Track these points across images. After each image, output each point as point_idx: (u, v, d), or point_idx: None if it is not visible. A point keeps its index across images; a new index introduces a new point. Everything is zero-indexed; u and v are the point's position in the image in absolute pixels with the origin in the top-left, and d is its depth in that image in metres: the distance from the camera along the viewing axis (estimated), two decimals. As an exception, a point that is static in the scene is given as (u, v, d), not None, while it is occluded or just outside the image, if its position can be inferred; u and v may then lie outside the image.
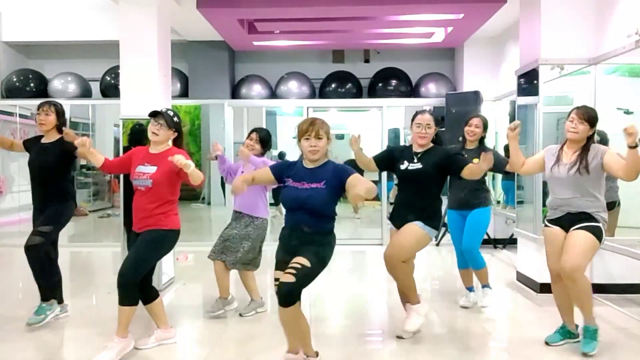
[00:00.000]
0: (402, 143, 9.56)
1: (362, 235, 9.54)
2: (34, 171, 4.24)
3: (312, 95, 8.22)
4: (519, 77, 5.64)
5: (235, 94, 8.33)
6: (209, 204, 11.48)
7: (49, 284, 4.19)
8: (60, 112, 4.27)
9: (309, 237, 3.07)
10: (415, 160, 3.80)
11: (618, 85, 5.46)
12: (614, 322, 4.25)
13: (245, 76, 8.36)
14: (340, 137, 12.59)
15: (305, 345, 3.18)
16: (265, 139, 4.47)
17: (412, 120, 3.91)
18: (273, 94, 8.29)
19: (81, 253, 7.44)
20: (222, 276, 4.40)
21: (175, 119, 3.68)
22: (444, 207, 4.32)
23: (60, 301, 4.33)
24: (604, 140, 4.67)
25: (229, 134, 8.43)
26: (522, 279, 5.46)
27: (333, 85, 8.21)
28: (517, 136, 3.78)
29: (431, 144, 3.90)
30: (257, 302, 4.53)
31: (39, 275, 4.13)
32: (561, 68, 5.06)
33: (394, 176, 4.17)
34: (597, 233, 3.52)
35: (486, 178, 4.69)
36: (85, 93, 8.26)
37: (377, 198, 7.36)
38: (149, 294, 3.72)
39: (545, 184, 4.21)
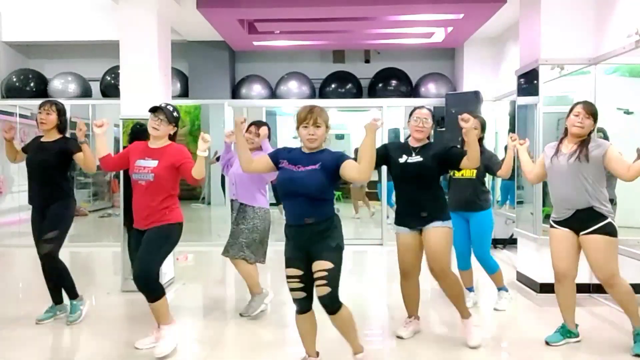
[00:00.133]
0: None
1: (362, 235, 9.53)
2: (32, 169, 4.22)
3: (313, 96, 8.21)
4: (519, 77, 5.64)
5: (235, 94, 8.33)
6: (209, 204, 11.46)
7: (69, 285, 4.28)
8: (61, 112, 4.27)
9: (315, 228, 3.02)
10: (414, 154, 3.77)
11: (618, 85, 5.47)
12: (614, 322, 4.25)
13: (246, 76, 8.36)
14: (340, 137, 12.58)
15: (353, 340, 3.25)
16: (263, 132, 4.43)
17: (410, 115, 3.89)
18: (273, 94, 8.29)
19: (81, 253, 7.43)
20: (248, 273, 4.33)
21: (175, 113, 3.73)
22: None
23: (60, 301, 4.36)
24: (604, 138, 4.68)
25: (228, 134, 8.41)
26: (522, 279, 5.46)
27: (333, 86, 8.21)
28: (527, 148, 4.00)
29: (427, 140, 3.87)
30: (260, 297, 4.41)
31: (58, 281, 4.25)
32: (561, 68, 5.07)
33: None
34: (610, 230, 3.53)
35: (486, 179, 4.70)
36: (85, 93, 8.26)
37: (377, 198, 7.35)
38: None
39: (545, 184, 4.21)
